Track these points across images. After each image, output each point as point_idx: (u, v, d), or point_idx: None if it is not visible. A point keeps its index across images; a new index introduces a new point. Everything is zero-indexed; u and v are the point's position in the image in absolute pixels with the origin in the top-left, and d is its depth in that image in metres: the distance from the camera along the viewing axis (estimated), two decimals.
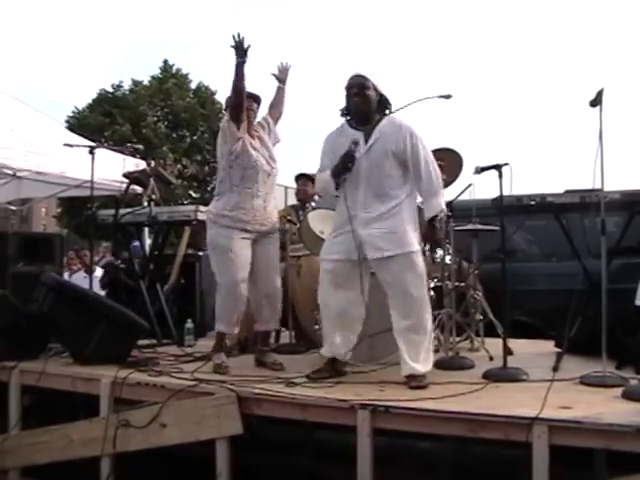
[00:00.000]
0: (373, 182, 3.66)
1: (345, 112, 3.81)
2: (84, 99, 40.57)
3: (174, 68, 28.25)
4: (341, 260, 3.71)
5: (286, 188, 10.27)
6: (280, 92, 4.47)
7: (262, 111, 4.43)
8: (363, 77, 3.70)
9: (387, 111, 3.81)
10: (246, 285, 4.10)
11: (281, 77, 4.44)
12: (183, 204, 17.79)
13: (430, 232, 3.75)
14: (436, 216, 3.71)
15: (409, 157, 3.66)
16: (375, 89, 3.71)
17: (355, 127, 3.76)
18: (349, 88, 3.72)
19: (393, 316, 3.67)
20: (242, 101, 4.06)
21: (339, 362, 3.85)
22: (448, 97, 18.41)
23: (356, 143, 3.62)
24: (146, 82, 27.69)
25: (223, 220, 4.12)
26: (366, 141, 3.70)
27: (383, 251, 3.60)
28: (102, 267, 7.86)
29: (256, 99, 4.30)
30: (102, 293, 6.27)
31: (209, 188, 25.27)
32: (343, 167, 3.63)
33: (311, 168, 5.31)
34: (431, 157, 3.73)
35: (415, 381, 3.54)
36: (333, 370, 3.81)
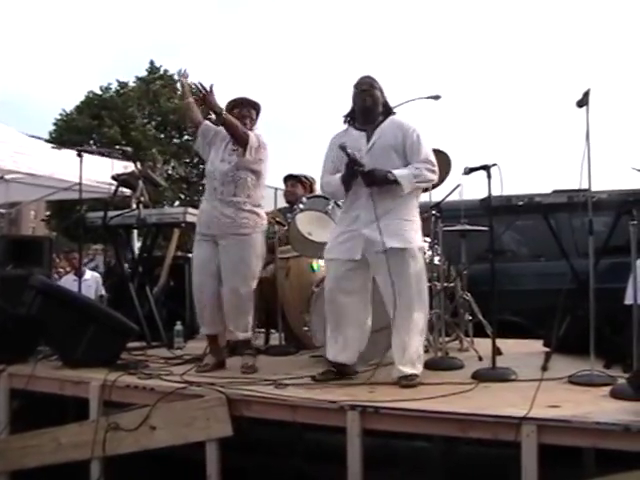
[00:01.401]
0: None
1: (349, 116, 3.86)
2: (72, 101, 40.32)
3: (161, 69, 28.10)
4: (343, 260, 3.68)
5: (276, 190, 10.24)
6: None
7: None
8: (372, 78, 3.81)
9: (391, 115, 3.84)
10: (206, 285, 4.16)
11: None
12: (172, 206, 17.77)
13: (372, 170, 3.59)
14: (391, 174, 3.57)
15: (407, 148, 3.67)
16: (381, 91, 3.80)
17: (359, 128, 3.79)
18: (359, 85, 3.80)
19: (389, 312, 3.64)
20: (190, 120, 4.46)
21: (348, 366, 3.78)
22: (437, 98, 18.51)
23: (343, 147, 3.62)
24: (132, 83, 27.56)
25: None
26: (368, 140, 3.72)
27: (382, 245, 3.55)
28: (99, 272, 7.86)
29: (254, 106, 4.25)
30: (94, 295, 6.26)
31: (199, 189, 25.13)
32: (349, 174, 3.65)
33: (299, 169, 5.30)
34: (430, 153, 3.73)
35: (405, 380, 3.53)
36: (339, 373, 3.75)
